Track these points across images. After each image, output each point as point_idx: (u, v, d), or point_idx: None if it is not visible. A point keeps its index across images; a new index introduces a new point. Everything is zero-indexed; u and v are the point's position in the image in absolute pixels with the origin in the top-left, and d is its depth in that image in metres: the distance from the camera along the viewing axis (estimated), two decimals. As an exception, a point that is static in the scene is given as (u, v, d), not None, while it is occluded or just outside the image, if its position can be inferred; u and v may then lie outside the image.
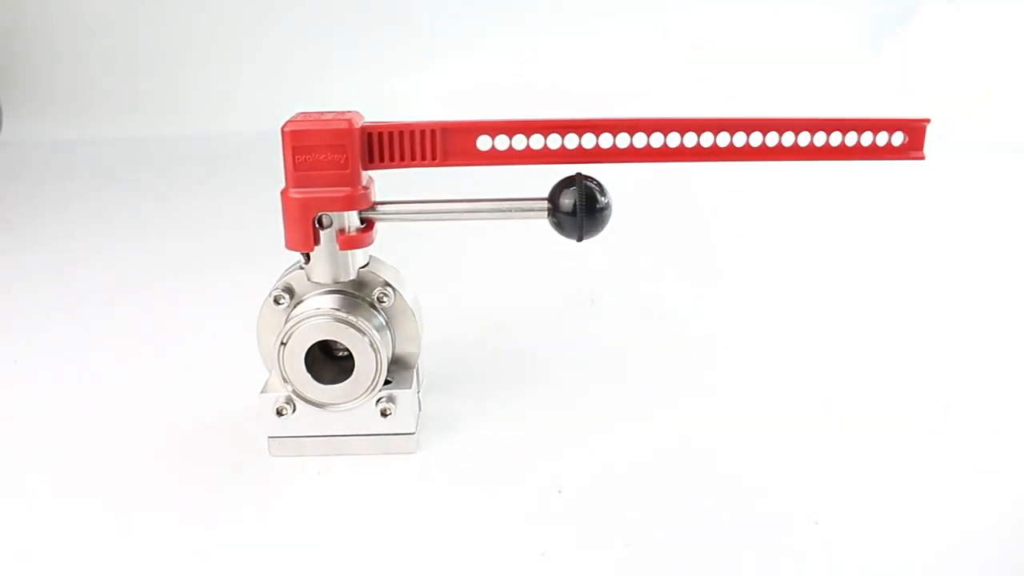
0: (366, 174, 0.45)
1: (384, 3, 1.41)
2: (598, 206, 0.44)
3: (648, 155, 0.45)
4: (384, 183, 0.47)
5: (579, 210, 0.44)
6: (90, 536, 0.42)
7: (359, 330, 0.45)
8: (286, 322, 0.46)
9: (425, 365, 0.53)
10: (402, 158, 0.44)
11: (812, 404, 0.53)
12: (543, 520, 0.43)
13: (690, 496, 0.44)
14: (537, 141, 0.44)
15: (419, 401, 0.50)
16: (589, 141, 0.44)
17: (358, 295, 0.47)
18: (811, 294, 0.70)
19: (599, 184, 0.45)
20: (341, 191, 0.43)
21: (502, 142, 0.44)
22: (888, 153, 0.44)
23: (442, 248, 0.79)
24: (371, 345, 0.46)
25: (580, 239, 0.45)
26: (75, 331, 0.65)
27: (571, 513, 0.43)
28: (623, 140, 0.45)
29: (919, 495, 0.44)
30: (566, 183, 0.45)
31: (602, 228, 0.45)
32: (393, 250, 0.49)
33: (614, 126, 0.44)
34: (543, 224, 0.46)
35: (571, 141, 0.44)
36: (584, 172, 0.45)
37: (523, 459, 0.48)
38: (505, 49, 1.41)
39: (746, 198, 0.98)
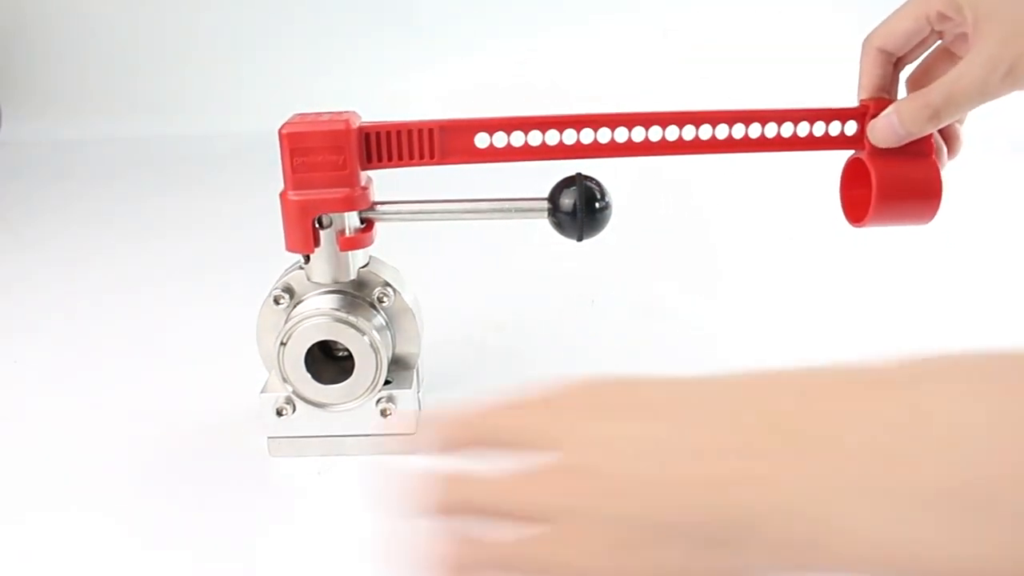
0: (365, 174, 0.45)
1: (384, 3, 1.41)
2: (598, 206, 0.44)
3: (646, 149, 0.45)
4: (385, 183, 0.47)
5: (579, 210, 0.44)
6: (90, 535, 0.42)
7: (359, 330, 0.45)
8: (286, 322, 0.46)
9: (425, 365, 0.53)
10: (400, 157, 0.44)
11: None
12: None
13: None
14: (535, 137, 0.44)
15: (419, 401, 0.50)
16: (587, 136, 0.44)
17: (358, 295, 0.47)
18: (811, 292, 0.70)
19: (599, 184, 0.45)
20: (340, 192, 0.43)
21: (500, 139, 0.44)
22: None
23: (442, 248, 0.79)
24: (371, 345, 0.45)
25: (580, 239, 0.45)
26: (75, 331, 0.65)
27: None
28: (621, 134, 0.45)
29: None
30: (566, 183, 0.45)
31: (602, 228, 0.45)
32: (393, 250, 0.49)
33: (611, 121, 0.44)
34: (543, 224, 0.46)
35: (569, 137, 0.44)
36: (584, 172, 0.45)
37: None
38: (505, 49, 1.40)
39: (747, 198, 0.98)
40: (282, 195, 0.44)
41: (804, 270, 0.76)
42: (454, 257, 0.80)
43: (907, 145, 0.44)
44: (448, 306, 0.62)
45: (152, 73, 1.38)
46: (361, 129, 0.43)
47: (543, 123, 0.44)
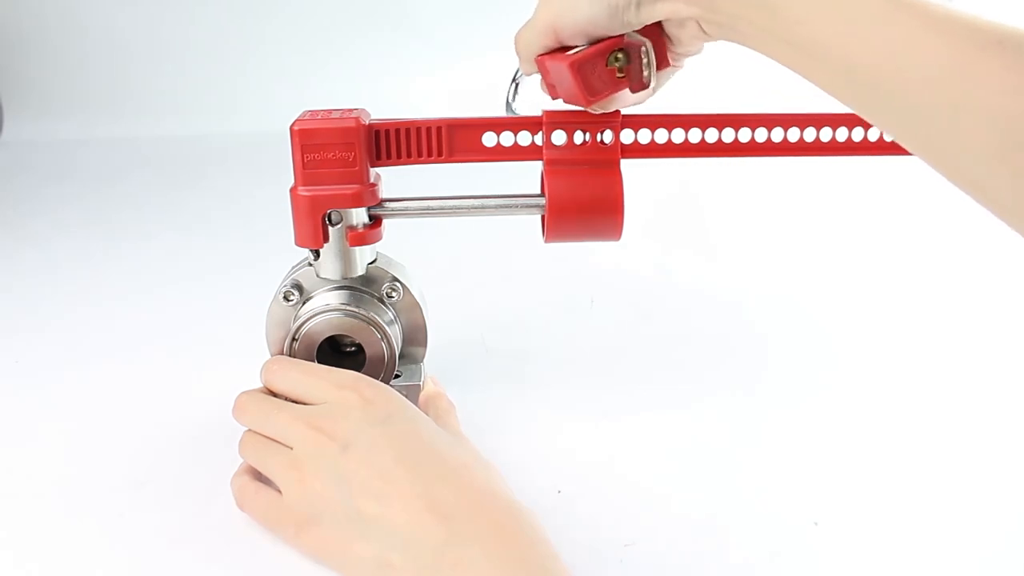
0: (373, 171, 0.45)
1: (384, 4, 1.41)
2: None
3: (653, 151, 0.45)
4: (389, 182, 0.47)
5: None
6: (90, 535, 0.42)
7: (371, 324, 0.46)
8: (296, 318, 0.46)
9: (426, 362, 0.53)
10: (409, 155, 0.45)
11: (812, 404, 0.53)
12: (543, 520, 0.43)
13: (690, 496, 0.44)
14: (541, 137, 0.45)
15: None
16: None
17: (367, 290, 0.47)
18: (812, 294, 0.71)
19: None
20: (350, 188, 0.43)
21: (507, 138, 0.45)
22: (889, 148, 0.44)
23: (442, 248, 0.79)
24: (383, 339, 0.46)
25: None
26: (76, 331, 0.65)
27: (571, 513, 0.43)
28: (627, 136, 0.45)
29: (919, 495, 0.44)
30: None
31: None
32: (393, 250, 0.50)
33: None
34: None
35: (576, 137, 0.44)
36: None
37: (523, 459, 0.48)
38: (505, 50, 1.41)
39: (747, 197, 0.98)
40: (292, 191, 0.44)
41: (806, 269, 0.76)
42: (455, 257, 0.80)
43: (591, 155, 0.43)
44: (449, 305, 0.62)
45: (152, 73, 1.38)
46: (371, 127, 0.44)
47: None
